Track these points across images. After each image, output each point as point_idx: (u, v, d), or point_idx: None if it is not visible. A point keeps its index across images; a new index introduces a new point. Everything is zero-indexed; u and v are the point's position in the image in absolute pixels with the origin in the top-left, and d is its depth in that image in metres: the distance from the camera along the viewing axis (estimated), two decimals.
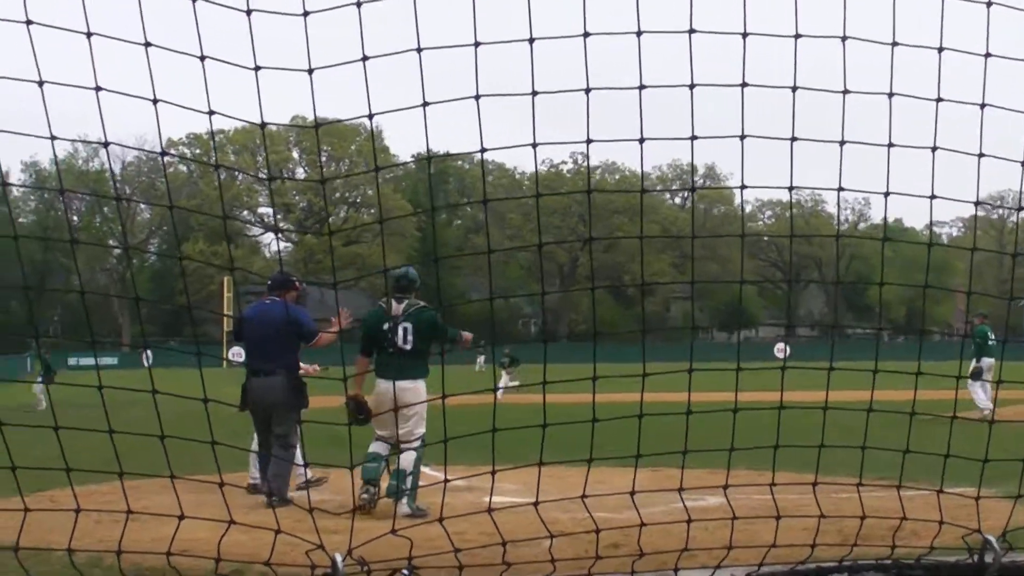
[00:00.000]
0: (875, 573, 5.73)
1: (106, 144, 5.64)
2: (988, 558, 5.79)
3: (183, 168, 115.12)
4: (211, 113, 5.17)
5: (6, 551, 5.53)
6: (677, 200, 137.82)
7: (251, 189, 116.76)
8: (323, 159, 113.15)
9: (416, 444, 11.90)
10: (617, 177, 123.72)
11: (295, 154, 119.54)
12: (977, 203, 6.54)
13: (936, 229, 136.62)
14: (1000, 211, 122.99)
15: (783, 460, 6.40)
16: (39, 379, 36.29)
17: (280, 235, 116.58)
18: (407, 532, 5.56)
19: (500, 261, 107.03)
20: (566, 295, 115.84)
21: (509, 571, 5.35)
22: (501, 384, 36.47)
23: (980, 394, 25.53)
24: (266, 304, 13.75)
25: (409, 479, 11.80)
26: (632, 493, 5.72)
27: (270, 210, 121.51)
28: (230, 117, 5.18)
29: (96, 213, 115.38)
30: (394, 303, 12.66)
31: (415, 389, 12.13)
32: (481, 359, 70.22)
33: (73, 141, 6.13)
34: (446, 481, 5.68)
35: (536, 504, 5.68)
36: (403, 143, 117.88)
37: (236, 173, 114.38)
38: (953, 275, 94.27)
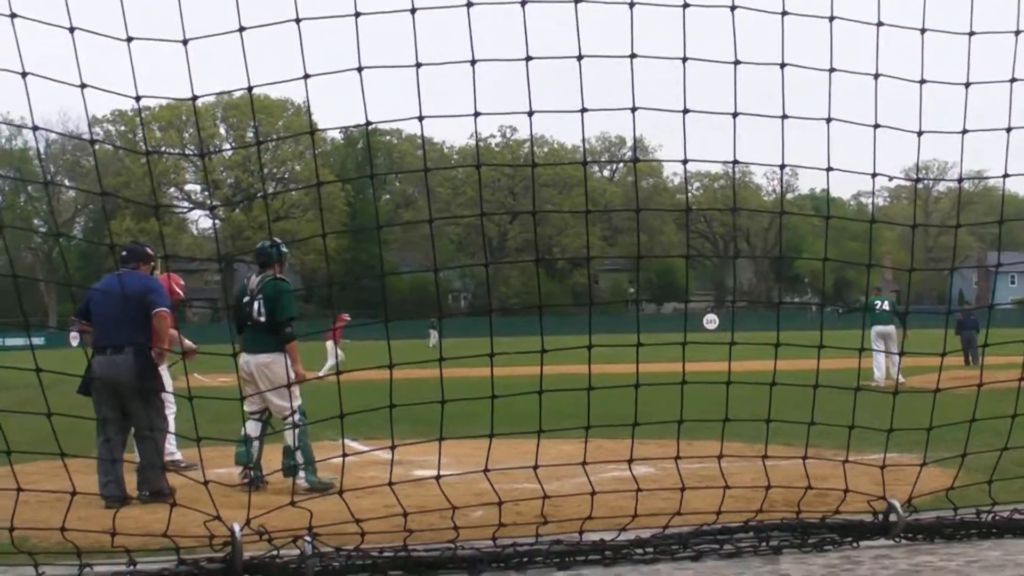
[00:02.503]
0: (781, 532, 5.79)
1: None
2: (893, 517, 5.86)
3: (108, 146, 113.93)
4: (83, 87, 5.04)
5: None
6: (606, 172, 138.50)
7: (178, 166, 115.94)
8: (250, 135, 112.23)
9: (295, 418, 11.84)
10: (546, 150, 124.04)
11: (221, 129, 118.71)
12: (874, 175, 6.59)
13: (863, 199, 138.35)
14: (925, 182, 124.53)
15: (694, 433, 6.44)
16: None
17: (210, 212, 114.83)
18: (309, 504, 5.55)
19: (428, 237, 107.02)
20: (497, 268, 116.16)
21: (411, 538, 5.35)
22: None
23: (876, 361, 25.98)
24: (116, 276, 12.56)
25: (298, 454, 11.68)
26: (535, 467, 5.73)
27: (198, 187, 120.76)
28: (104, 91, 5.04)
29: (21, 192, 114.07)
30: (253, 277, 12.78)
31: (271, 362, 12.06)
32: (435, 334, 70.23)
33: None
34: (344, 456, 5.65)
35: (438, 478, 5.71)
36: (330, 118, 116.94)
37: (163, 150, 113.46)
38: (880, 243, 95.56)
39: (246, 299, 12.54)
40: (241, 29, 5.08)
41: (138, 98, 5.19)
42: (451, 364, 5.82)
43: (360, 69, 5.27)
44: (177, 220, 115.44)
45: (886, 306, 27.60)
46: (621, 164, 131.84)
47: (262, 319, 12.33)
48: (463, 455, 6.05)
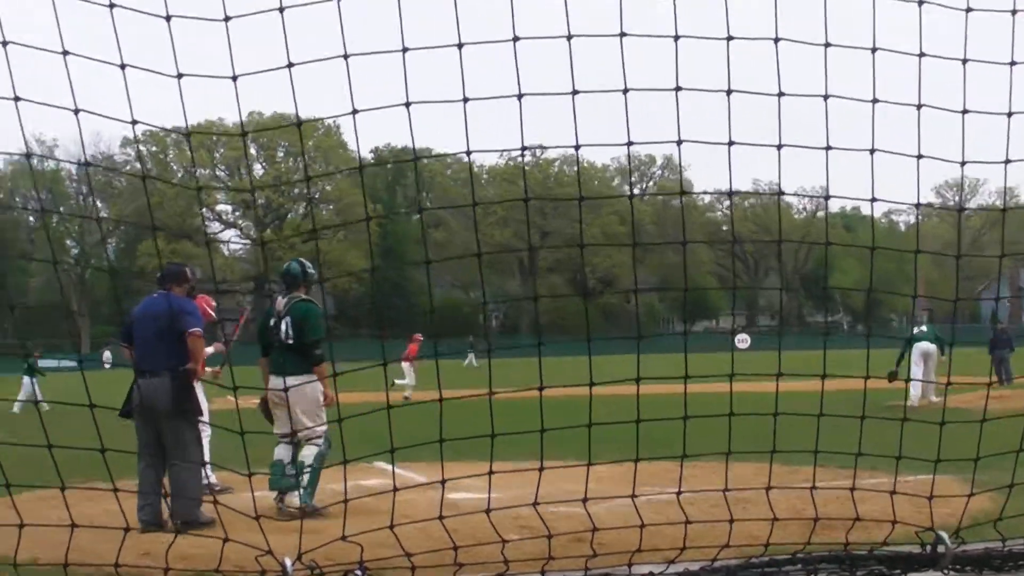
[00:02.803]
0: (828, 564, 5.79)
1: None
2: (941, 549, 5.86)
3: (138, 166, 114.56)
4: (134, 123, 5.08)
5: None
6: (635, 191, 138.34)
7: (209, 186, 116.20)
8: (280, 155, 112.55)
9: (319, 441, 11.76)
10: (575, 169, 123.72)
11: (252, 150, 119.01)
12: (918, 205, 6.62)
13: (894, 217, 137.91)
14: (956, 199, 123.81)
15: (742, 456, 6.43)
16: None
17: (262, 246, 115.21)
18: (358, 538, 5.57)
19: (462, 258, 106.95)
20: (527, 287, 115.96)
21: (462, 571, 5.39)
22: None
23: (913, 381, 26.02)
24: (153, 298, 12.28)
25: (307, 474, 11.67)
26: (584, 500, 5.77)
27: (229, 207, 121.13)
28: (158, 128, 5.09)
29: (52, 214, 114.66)
30: (279, 298, 12.61)
31: (301, 384, 11.73)
32: (472, 355, 69.58)
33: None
34: (395, 490, 5.66)
35: (488, 512, 5.73)
36: (361, 137, 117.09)
37: (195, 171, 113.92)
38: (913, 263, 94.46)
39: (272, 321, 12.41)
40: (290, 65, 5.10)
41: (188, 134, 5.24)
42: (486, 384, 5.84)
43: (408, 104, 5.29)
44: (209, 241, 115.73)
45: (924, 328, 28.03)
46: (651, 183, 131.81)
47: (289, 341, 12.20)
48: (497, 478, 6.04)
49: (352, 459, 5.73)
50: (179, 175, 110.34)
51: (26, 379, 37.18)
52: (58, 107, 4.88)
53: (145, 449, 11.33)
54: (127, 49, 5.06)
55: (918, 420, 6.47)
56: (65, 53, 4.83)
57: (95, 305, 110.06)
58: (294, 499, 11.35)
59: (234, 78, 5.07)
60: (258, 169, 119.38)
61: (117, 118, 4.95)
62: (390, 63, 5.36)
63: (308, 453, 11.86)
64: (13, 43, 4.83)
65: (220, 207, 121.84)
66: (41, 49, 4.81)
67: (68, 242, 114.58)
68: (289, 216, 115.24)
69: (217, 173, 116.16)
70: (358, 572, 5.16)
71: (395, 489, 5.63)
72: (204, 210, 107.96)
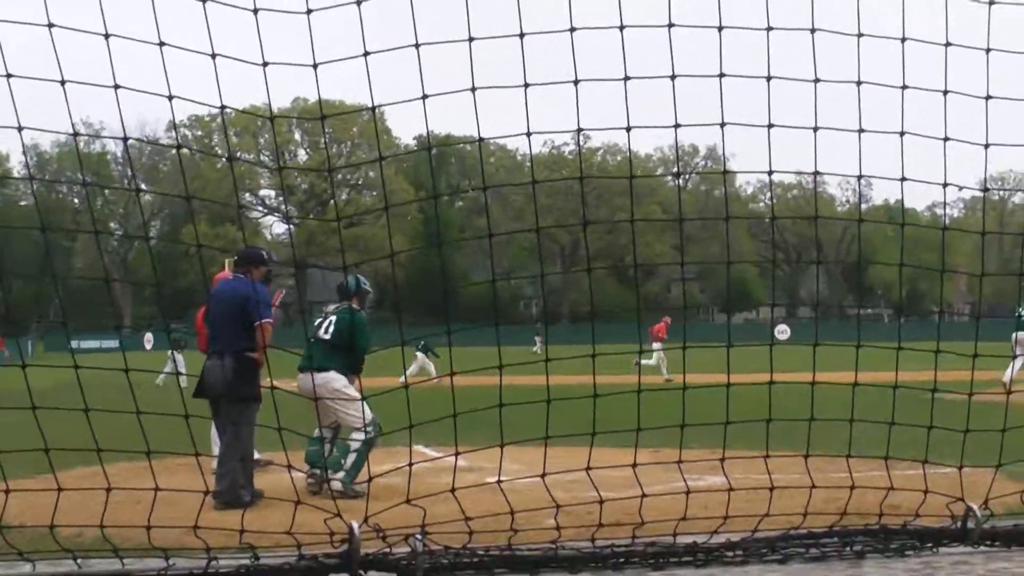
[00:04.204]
0: (864, 537, 6.03)
1: (125, 139, 5.75)
2: (971, 524, 6.09)
3: (184, 151, 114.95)
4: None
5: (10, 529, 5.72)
6: (679, 181, 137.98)
7: (252, 171, 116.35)
8: (326, 138, 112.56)
9: (370, 428, 11.93)
10: (619, 158, 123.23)
11: (297, 135, 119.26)
12: (945, 185, 6.81)
13: (937, 210, 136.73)
14: (1001, 193, 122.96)
15: (779, 439, 6.68)
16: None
17: (288, 220, 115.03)
18: (420, 503, 5.84)
19: (502, 242, 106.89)
20: (568, 276, 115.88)
21: (516, 537, 5.64)
22: (410, 371, 38.21)
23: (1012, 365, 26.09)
24: (229, 281, 12.63)
25: (351, 457, 12.02)
26: (634, 466, 6.00)
27: (272, 192, 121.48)
28: (239, 110, 5.35)
29: (98, 195, 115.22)
30: (330, 306, 13.46)
31: (325, 379, 12.17)
32: (539, 340, 68.82)
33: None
34: (456, 453, 5.94)
35: (544, 476, 5.96)
36: (405, 124, 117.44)
37: (238, 154, 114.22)
38: (955, 254, 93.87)
39: (317, 322, 13.24)
40: (366, 53, 5.36)
41: (272, 117, 5.53)
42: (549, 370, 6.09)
43: (473, 89, 5.54)
44: (252, 225, 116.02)
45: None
46: (693, 173, 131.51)
47: (326, 336, 12.79)
48: (533, 460, 6.27)
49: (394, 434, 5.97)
50: (223, 160, 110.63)
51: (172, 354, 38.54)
52: (99, 85, 5.08)
53: (215, 423, 11.77)
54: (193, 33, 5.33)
55: (946, 390, 6.61)
56: (107, 36, 5.04)
57: (137, 287, 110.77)
58: (336, 483, 11.52)
59: (315, 66, 5.34)
60: (302, 155, 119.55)
61: (157, 92, 5.18)
62: (442, 49, 5.58)
63: (356, 437, 12.16)
64: (57, 26, 5.07)
65: (263, 192, 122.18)
66: (84, 31, 4.99)
67: (112, 224, 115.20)
68: (331, 203, 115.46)
69: (261, 158, 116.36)
70: (418, 537, 5.42)
71: (456, 453, 5.89)
72: (248, 195, 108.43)
